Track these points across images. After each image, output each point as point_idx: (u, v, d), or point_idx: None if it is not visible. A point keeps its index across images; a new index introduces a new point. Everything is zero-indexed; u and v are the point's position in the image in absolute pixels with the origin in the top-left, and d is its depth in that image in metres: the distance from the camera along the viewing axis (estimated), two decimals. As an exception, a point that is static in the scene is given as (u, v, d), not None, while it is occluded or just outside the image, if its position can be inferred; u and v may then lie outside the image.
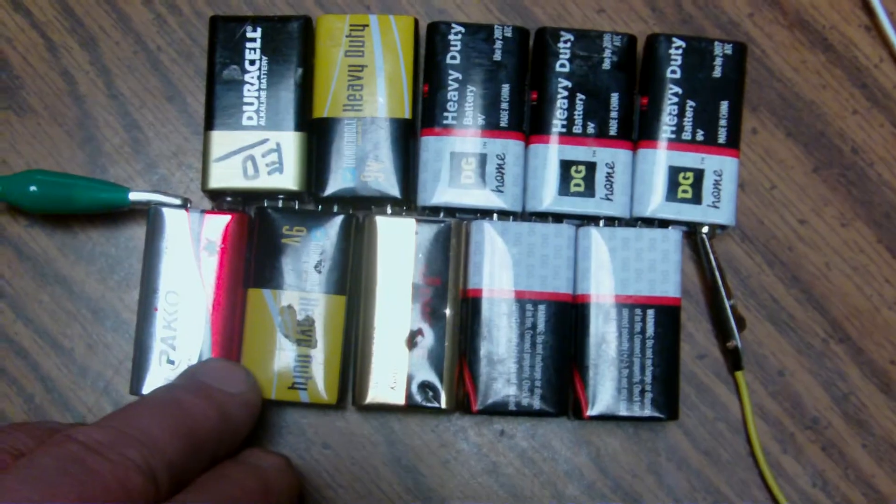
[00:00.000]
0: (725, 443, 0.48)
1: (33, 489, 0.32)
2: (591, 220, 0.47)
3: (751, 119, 0.50)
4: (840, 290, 0.49)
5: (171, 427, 0.38)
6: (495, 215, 0.47)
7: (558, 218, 0.47)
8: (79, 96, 0.50)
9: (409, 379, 0.46)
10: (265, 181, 0.47)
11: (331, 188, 0.47)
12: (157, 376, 0.45)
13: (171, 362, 0.45)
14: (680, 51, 0.47)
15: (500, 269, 0.46)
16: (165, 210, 0.46)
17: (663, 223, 0.47)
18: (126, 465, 0.35)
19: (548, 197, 0.47)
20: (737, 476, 0.48)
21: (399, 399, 0.46)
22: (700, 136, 0.47)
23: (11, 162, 0.49)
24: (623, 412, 0.46)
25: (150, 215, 0.46)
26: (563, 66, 0.47)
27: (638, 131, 0.47)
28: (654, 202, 0.47)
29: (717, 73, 0.47)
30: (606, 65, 0.47)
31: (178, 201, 0.47)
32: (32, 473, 0.33)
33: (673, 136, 0.47)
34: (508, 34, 0.47)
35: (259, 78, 0.47)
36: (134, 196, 0.47)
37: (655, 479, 0.48)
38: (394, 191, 0.47)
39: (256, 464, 0.42)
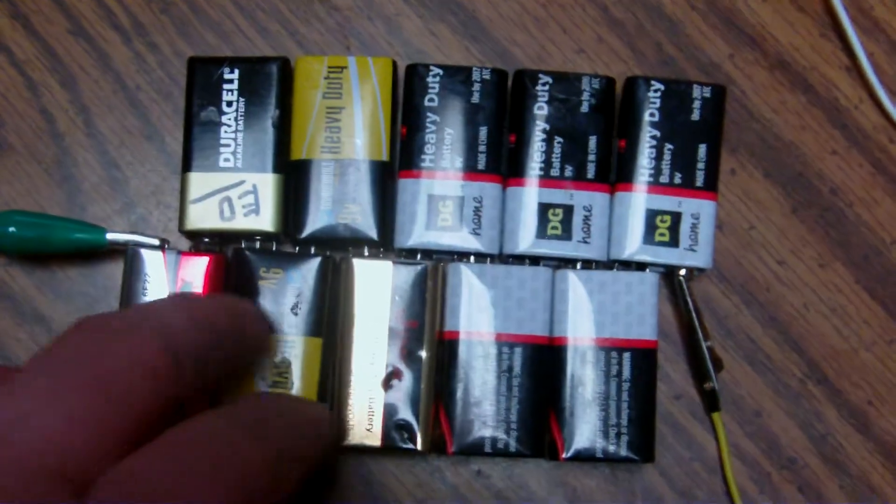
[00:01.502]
0: (702, 483, 0.48)
1: (49, 376, 0.30)
2: (569, 262, 0.47)
3: (730, 160, 0.49)
4: (818, 331, 0.49)
5: (189, 316, 0.36)
6: (472, 258, 0.47)
7: (535, 260, 0.47)
8: (58, 135, 0.50)
9: (386, 420, 0.46)
10: (241, 222, 0.47)
11: (308, 230, 0.47)
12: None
13: (148, 405, 0.45)
14: (658, 94, 0.47)
15: (476, 312, 0.46)
16: (143, 251, 0.46)
17: (640, 266, 0.47)
18: (149, 346, 0.32)
19: (525, 240, 0.47)
20: (713, 518, 0.48)
21: (375, 441, 0.46)
22: (678, 179, 0.47)
23: (-10, 201, 0.49)
24: (599, 454, 0.46)
25: (127, 256, 0.46)
26: (541, 108, 0.47)
27: (616, 174, 0.47)
28: (632, 245, 0.47)
29: (696, 115, 0.47)
30: (585, 107, 0.47)
31: (155, 242, 0.47)
32: (47, 362, 0.32)
33: (651, 179, 0.47)
34: (487, 76, 0.47)
35: (236, 119, 0.47)
36: (111, 236, 0.47)
37: (632, 521, 0.48)
38: (371, 233, 0.47)
39: (298, 399, 0.41)
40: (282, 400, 0.42)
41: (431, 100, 0.47)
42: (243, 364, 0.40)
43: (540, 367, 0.47)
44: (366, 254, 0.47)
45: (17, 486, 0.26)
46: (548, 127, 0.47)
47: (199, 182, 0.47)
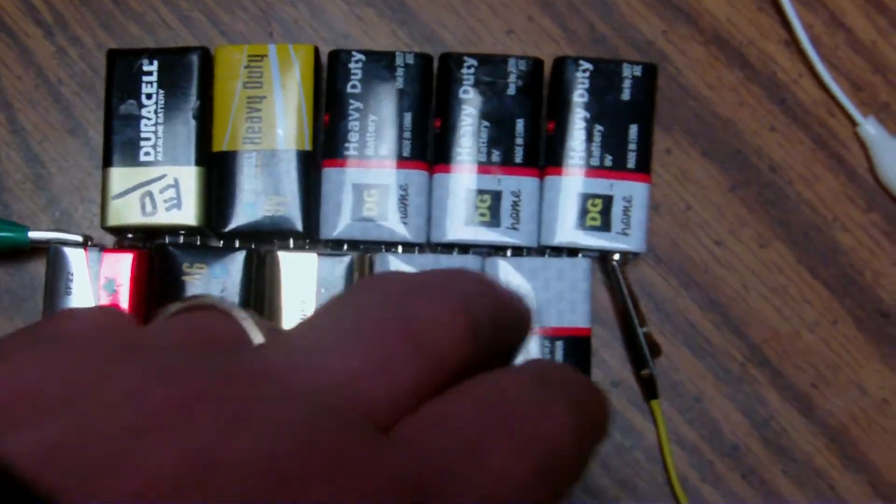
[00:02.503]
0: (642, 471, 0.47)
1: (352, 317, 0.29)
2: (499, 249, 0.46)
3: (665, 139, 0.48)
4: (758, 313, 0.48)
5: (480, 284, 0.33)
6: (400, 247, 0.46)
7: (464, 248, 0.46)
8: (-20, 132, 0.49)
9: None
10: (163, 217, 0.46)
11: (232, 223, 0.46)
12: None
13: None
14: (587, 74, 0.46)
15: (406, 303, 0.45)
16: (65, 249, 0.45)
17: (572, 252, 0.46)
18: (452, 305, 0.29)
19: (453, 227, 0.46)
20: (654, 507, 0.47)
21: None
22: (609, 161, 0.46)
23: (-88, 201, 0.48)
24: (536, 445, 0.45)
25: (49, 255, 0.46)
26: (466, 92, 0.46)
27: (545, 158, 0.46)
28: (563, 231, 0.46)
29: (626, 95, 0.46)
30: (511, 90, 0.46)
31: (77, 239, 0.46)
32: (346, 305, 0.30)
33: (581, 162, 0.46)
34: (411, 61, 0.46)
35: (156, 112, 0.46)
36: (34, 235, 0.46)
37: (570, 511, 0.47)
38: (296, 224, 0.46)
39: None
40: (569, 368, 0.38)
41: (354, 86, 0.46)
42: (517, 344, 0.37)
43: (471, 357, 0.45)
44: (291, 246, 0.46)
45: (319, 422, 0.25)
46: (474, 111, 0.46)
47: (119, 177, 0.46)
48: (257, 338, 0.28)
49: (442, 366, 0.28)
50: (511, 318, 0.34)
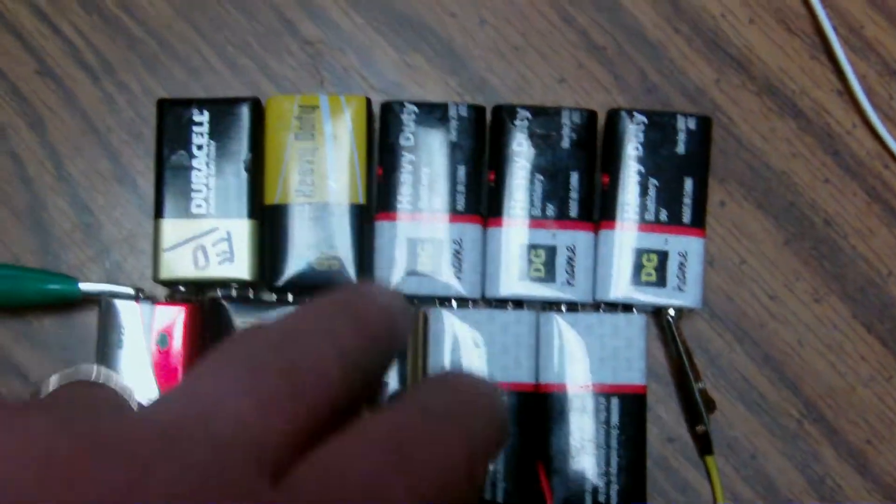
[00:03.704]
0: (697, 529, 0.47)
1: (237, 364, 0.29)
2: (553, 305, 0.46)
3: (719, 191, 0.48)
4: (813, 368, 0.47)
5: (353, 326, 0.35)
6: (454, 302, 0.46)
7: (519, 304, 0.46)
8: (27, 179, 0.48)
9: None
10: (216, 270, 0.45)
11: (285, 277, 0.45)
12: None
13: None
14: (642, 126, 0.45)
15: (460, 358, 0.45)
16: (117, 302, 0.45)
17: (627, 307, 0.46)
18: (323, 356, 0.31)
19: (507, 283, 0.45)
20: (708, 565, 0.47)
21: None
22: (664, 215, 0.45)
23: (-40, 250, 0.48)
24: (589, 503, 0.45)
25: (101, 307, 0.45)
26: (520, 144, 0.45)
27: (599, 211, 0.46)
28: (618, 286, 0.45)
29: (681, 148, 0.45)
30: (565, 143, 0.45)
31: (129, 291, 0.46)
32: (228, 354, 0.32)
33: (636, 216, 0.45)
34: (464, 113, 0.46)
35: (207, 164, 0.45)
36: (85, 287, 0.46)
37: (624, 569, 0.47)
38: (350, 278, 0.45)
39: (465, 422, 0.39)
40: (465, 379, 0.40)
41: (407, 138, 0.45)
42: (392, 362, 0.39)
43: (526, 415, 0.45)
44: (344, 300, 0.46)
45: (216, 466, 0.26)
46: (528, 164, 0.45)
47: (171, 229, 0.45)
48: (135, 403, 0.30)
49: (320, 407, 0.29)
50: (388, 349, 0.36)
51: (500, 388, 0.43)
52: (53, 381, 0.33)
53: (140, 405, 0.31)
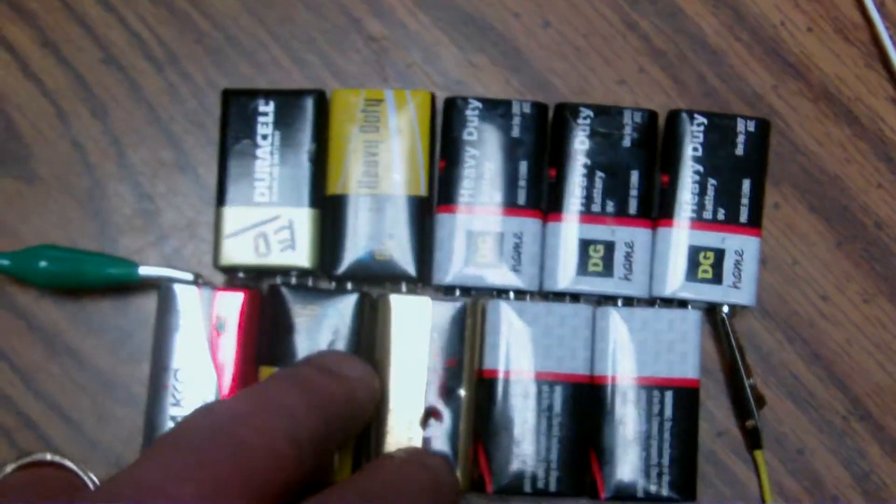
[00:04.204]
0: (745, 524, 0.48)
1: (186, 457, 0.31)
2: (609, 299, 0.47)
3: (773, 193, 0.49)
4: (861, 367, 0.48)
5: (307, 402, 0.36)
6: (512, 294, 0.46)
7: (575, 297, 0.46)
8: (89, 166, 0.49)
9: (425, 461, 0.45)
10: (277, 258, 0.46)
11: (344, 265, 0.46)
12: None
13: (184, 444, 0.45)
14: (702, 128, 0.46)
15: (516, 350, 0.46)
16: (176, 286, 0.46)
17: (682, 303, 0.46)
18: (274, 434, 0.33)
19: (565, 276, 0.46)
20: (755, 558, 0.47)
21: (414, 481, 0.45)
22: (721, 215, 0.46)
23: (21, 233, 0.48)
24: (640, 493, 0.45)
25: (160, 292, 0.46)
26: (582, 142, 0.46)
27: (658, 209, 0.47)
28: (674, 282, 0.46)
29: (740, 150, 0.46)
30: (627, 142, 0.46)
31: (189, 277, 0.46)
32: (176, 438, 0.32)
33: (693, 214, 0.46)
34: (527, 110, 0.46)
35: (272, 153, 0.46)
36: (144, 271, 0.46)
37: (674, 562, 0.47)
38: (409, 269, 0.46)
39: (422, 459, 0.41)
40: (412, 465, 0.42)
41: (470, 133, 0.46)
42: (354, 434, 0.41)
43: (580, 405, 0.46)
44: (403, 290, 0.47)
45: None
46: (589, 161, 0.46)
47: (233, 217, 0.46)
48: (90, 483, 0.33)
49: (271, 485, 0.31)
50: (344, 423, 0.39)
51: (448, 463, 0.44)
52: (10, 466, 0.35)
53: (95, 485, 0.32)
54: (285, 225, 0.46)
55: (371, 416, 0.43)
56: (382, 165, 0.46)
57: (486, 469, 0.45)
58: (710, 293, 0.46)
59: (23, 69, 0.49)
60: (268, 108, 0.46)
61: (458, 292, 0.47)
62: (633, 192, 0.46)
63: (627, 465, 0.46)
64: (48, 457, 0.34)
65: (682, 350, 0.46)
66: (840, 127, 0.49)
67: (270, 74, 0.49)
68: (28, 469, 0.34)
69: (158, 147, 0.49)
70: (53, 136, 0.49)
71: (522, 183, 0.46)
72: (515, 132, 0.46)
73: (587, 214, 0.46)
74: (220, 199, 0.46)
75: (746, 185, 0.46)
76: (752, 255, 0.46)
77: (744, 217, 0.46)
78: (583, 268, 0.46)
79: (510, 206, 0.46)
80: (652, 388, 0.46)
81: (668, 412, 0.46)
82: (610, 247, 0.46)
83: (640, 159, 0.46)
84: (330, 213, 0.46)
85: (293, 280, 0.47)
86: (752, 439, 0.47)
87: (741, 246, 0.46)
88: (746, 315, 0.48)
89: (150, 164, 0.49)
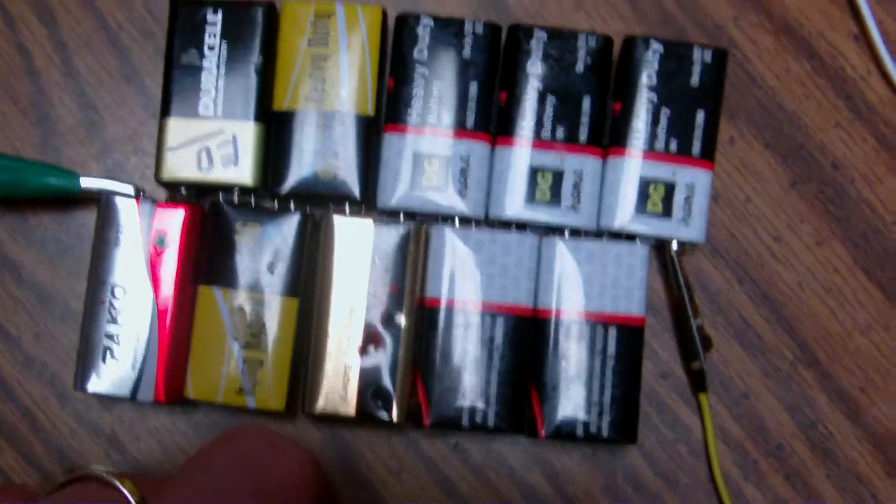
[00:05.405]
0: (685, 466, 0.47)
1: (211, 479, 0.33)
2: (556, 230, 0.45)
3: (728, 128, 0.47)
4: (811, 312, 0.47)
5: (250, 485, 0.36)
6: (457, 221, 0.45)
7: (521, 227, 0.45)
8: (34, 72, 0.48)
9: (361, 388, 0.44)
10: (219, 174, 0.45)
11: (288, 184, 0.45)
12: (102, 375, 0.44)
13: (115, 359, 0.44)
14: (657, 55, 0.45)
15: (459, 279, 0.45)
16: (117, 199, 0.45)
17: (630, 236, 0.45)
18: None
19: (512, 204, 0.45)
20: (695, 501, 0.47)
21: (350, 409, 0.44)
22: (673, 146, 0.45)
23: (-39, 139, 0.47)
24: (580, 433, 0.44)
25: (100, 204, 0.45)
26: (534, 65, 0.45)
27: (609, 138, 0.45)
28: (623, 215, 0.45)
29: (696, 80, 0.45)
30: (580, 67, 0.45)
31: (130, 190, 0.45)
32: (207, 465, 0.34)
33: (645, 145, 0.45)
34: (479, 30, 0.45)
35: (217, 65, 0.45)
36: (85, 182, 0.45)
37: (611, 500, 0.46)
38: (354, 190, 0.45)
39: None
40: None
41: (421, 52, 0.45)
42: None
43: (522, 338, 0.45)
44: (347, 212, 0.45)
45: None
46: (540, 86, 0.45)
47: (177, 128, 0.45)
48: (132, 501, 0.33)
49: None
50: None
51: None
52: (61, 479, 0.35)
53: None
54: (229, 139, 0.45)
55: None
56: (330, 81, 0.45)
57: (424, 401, 0.44)
58: (658, 227, 0.45)
59: (-31, -29, 0.48)
60: (216, 18, 0.45)
61: (402, 217, 0.46)
62: (585, 119, 0.45)
63: (568, 403, 0.44)
64: (97, 473, 0.35)
65: (627, 285, 0.45)
66: (800, 62, 0.48)
67: (222, -14, 0.48)
68: (76, 485, 0.35)
69: (105, 56, 0.48)
70: (-2, 42, 0.48)
71: (472, 105, 0.45)
72: (467, 52, 0.45)
73: (537, 140, 0.45)
74: (164, 111, 0.45)
75: (700, 116, 0.45)
76: (704, 189, 0.45)
77: (696, 149, 0.45)
78: (530, 196, 0.45)
79: (459, 127, 0.45)
80: (596, 323, 0.45)
81: (612, 349, 0.45)
82: (559, 175, 0.45)
83: (593, 85, 0.45)
84: (275, 128, 0.45)
85: (236, 198, 0.46)
86: (697, 382, 0.46)
87: (692, 179, 0.45)
88: (696, 253, 0.47)
89: (97, 74, 0.48)
